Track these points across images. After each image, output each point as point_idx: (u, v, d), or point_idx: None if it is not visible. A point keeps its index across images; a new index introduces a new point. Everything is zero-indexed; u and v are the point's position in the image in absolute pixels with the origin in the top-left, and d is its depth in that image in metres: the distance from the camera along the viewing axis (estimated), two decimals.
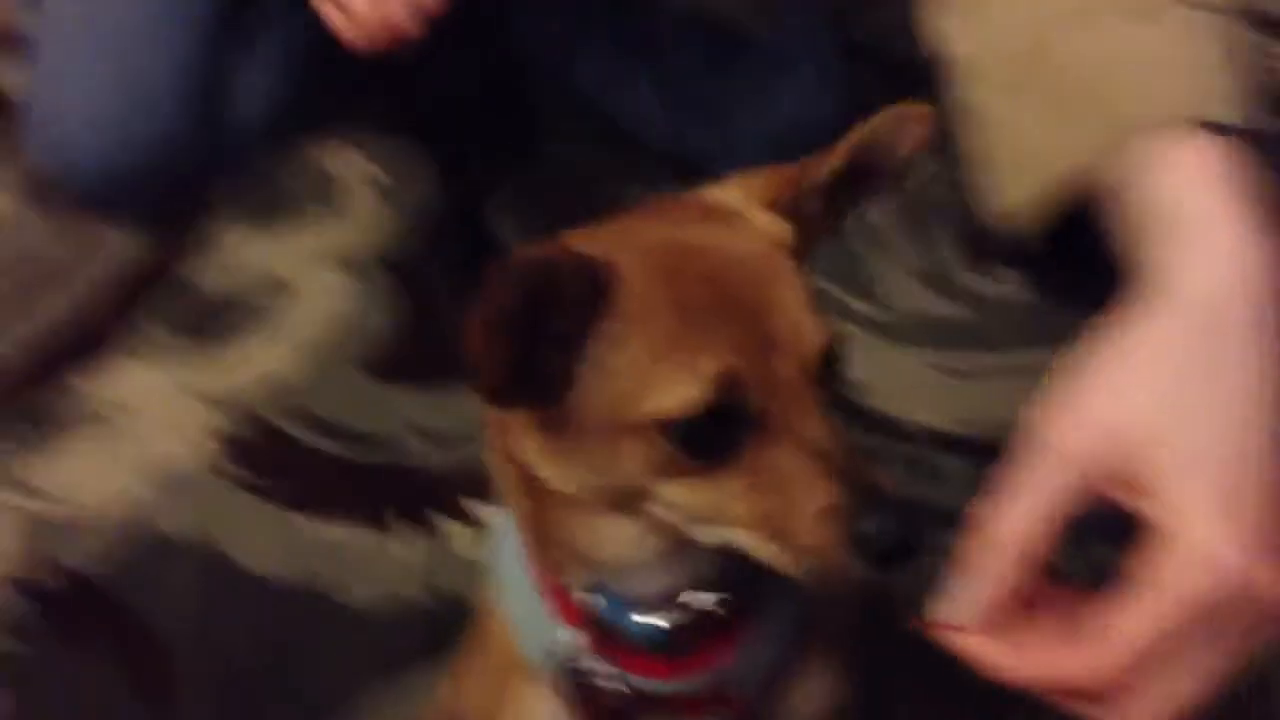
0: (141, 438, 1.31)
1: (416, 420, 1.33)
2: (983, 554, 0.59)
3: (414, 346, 1.41)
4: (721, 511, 0.65)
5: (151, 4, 1.45)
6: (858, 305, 1.47)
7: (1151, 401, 0.58)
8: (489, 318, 0.60)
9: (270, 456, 1.30)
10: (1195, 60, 0.63)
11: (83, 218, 1.52)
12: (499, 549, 0.80)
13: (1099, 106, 0.64)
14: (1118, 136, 0.62)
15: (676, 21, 1.43)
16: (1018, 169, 0.68)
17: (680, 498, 0.66)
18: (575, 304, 0.63)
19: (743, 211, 0.72)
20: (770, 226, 0.71)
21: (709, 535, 0.67)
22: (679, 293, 0.64)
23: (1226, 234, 0.59)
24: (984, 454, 1.29)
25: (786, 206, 0.72)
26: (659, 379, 0.63)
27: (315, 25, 1.56)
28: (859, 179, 0.71)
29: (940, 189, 1.60)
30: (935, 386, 1.38)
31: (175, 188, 1.51)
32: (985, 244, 0.73)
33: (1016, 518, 0.59)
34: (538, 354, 0.64)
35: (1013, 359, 1.40)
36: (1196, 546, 0.55)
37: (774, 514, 0.64)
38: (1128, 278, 0.62)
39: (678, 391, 0.63)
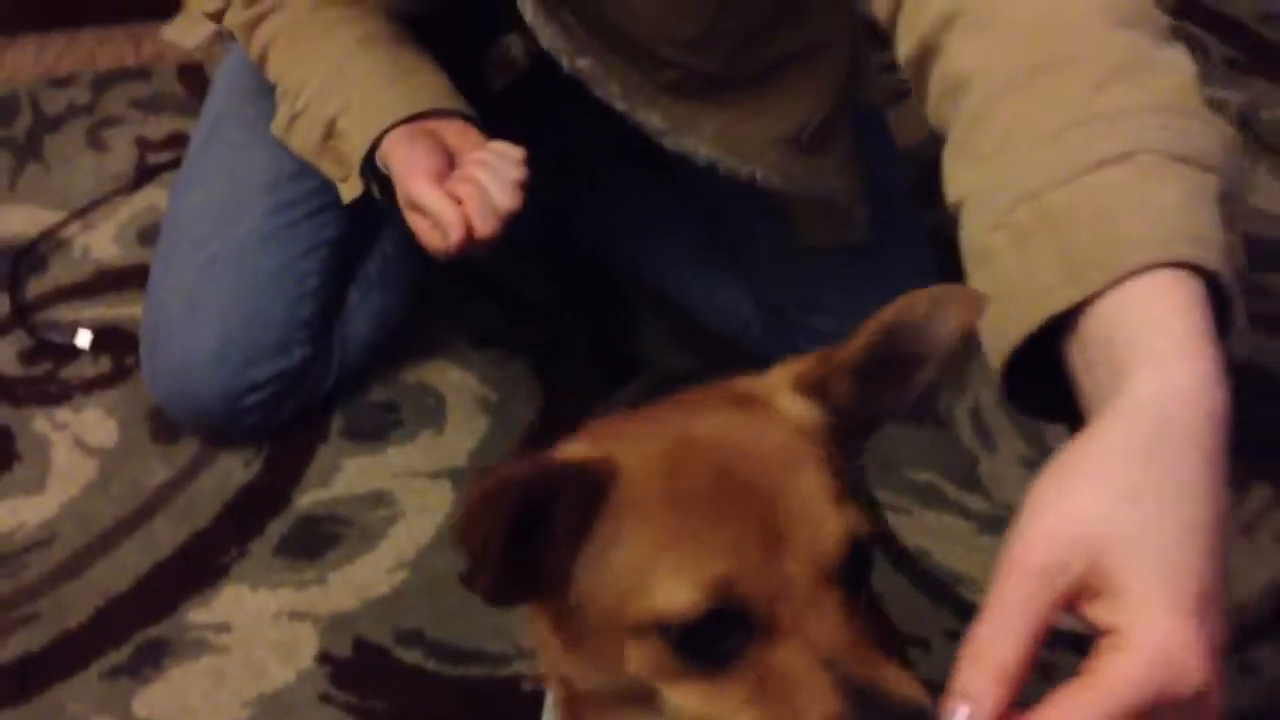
0: (248, 664, 1.31)
1: (520, 635, 1.31)
2: (974, 680, 0.60)
3: None
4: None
5: (276, 238, 1.53)
6: (966, 499, 1.44)
7: (1109, 507, 0.61)
8: (480, 525, 0.60)
9: (376, 678, 1.29)
10: (1164, 203, 0.69)
11: (192, 442, 1.56)
12: None
13: (1081, 246, 0.69)
14: (1095, 273, 0.68)
15: (762, 221, 1.46)
16: (1010, 304, 0.72)
17: (686, 703, 0.63)
18: (572, 504, 0.63)
19: (773, 398, 0.70)
20: (799, 414, 0.69)
21: None
22: (681, 488, 0.63)
23: (1179, 354, 0.64)
24: None
25: (815, 391, 0.70)
26: (655, 579, 0.61)
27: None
28: (900, 362, 0.70)
29: None
30: None
31: (291, 411, 1.55)
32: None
33: (1001, 643, 0.60)
34: (534, 550, 0.63)
35: None
36: (1155, 646, 0.58)
37: None
38: (1087, 405, 0.67)
39: (672, 594, 0.61)
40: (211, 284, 1.50)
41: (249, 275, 1.50)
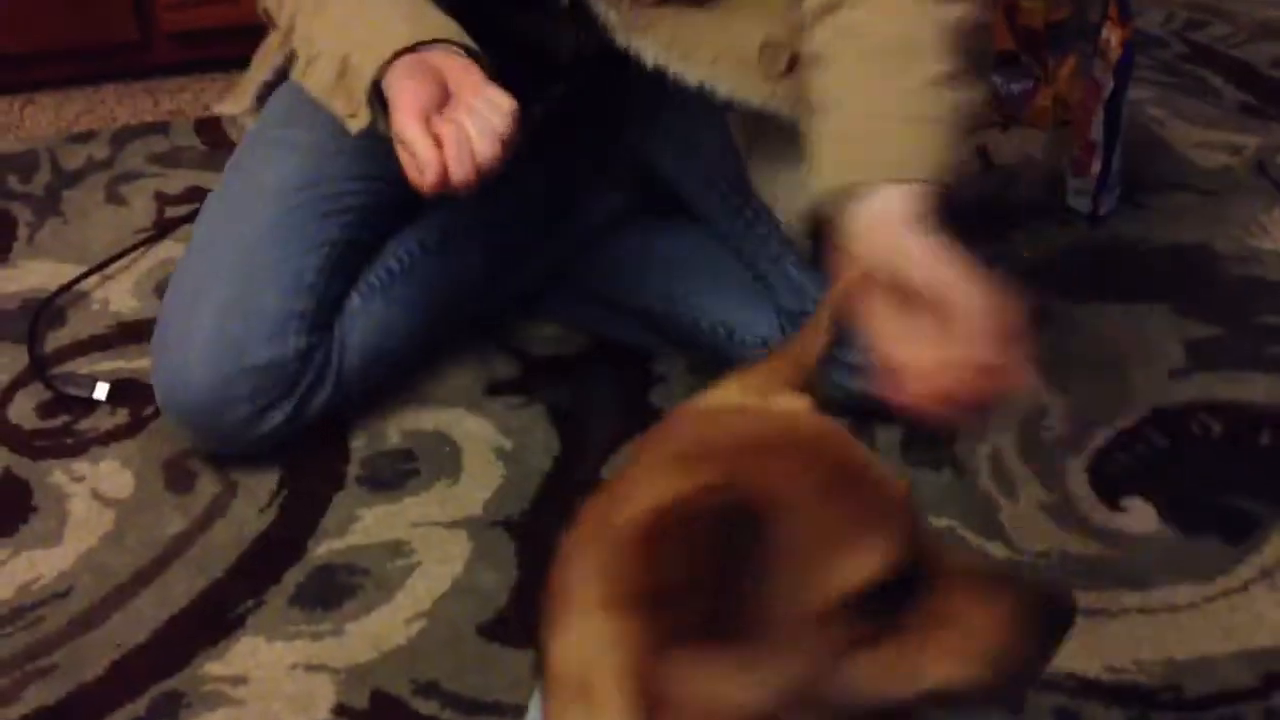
0: (264, 716, 1.30)
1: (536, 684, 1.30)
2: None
3: (535, 610, 1.39)
4: (918, 670, 0.69)
5: (278, 235, 1.58)
6: (988, 546, 1.43)
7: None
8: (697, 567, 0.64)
9: None
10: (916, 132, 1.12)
11: (207, 491, 1.56)
12: None
13: (854, 150, 1.14)
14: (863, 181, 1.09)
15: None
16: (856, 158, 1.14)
17: (874, 674, 0.69)
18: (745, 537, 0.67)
19: (774, 404, 0.78)
20: (805, 409, 0.78)
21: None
22: (807, 485, 0.68)
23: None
24: (1135, 700, 1.22)
25: (801, 386, 0.79)
26: (836, 562, 0.66)
27: (423, 255, 1.67)
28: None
29: (1061, 424, 1.57)
30: (1078, 630, 1.31)
31: (283, 418, 1.55)
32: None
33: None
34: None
35: (1157, 597, 1.34)
36: (978, 302, 0.96)
37: (967, 643, 0.69)
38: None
39: (861, 565, 0.67)
40: (211, 278, 1.56)
41: (247, 267, 1.55)
